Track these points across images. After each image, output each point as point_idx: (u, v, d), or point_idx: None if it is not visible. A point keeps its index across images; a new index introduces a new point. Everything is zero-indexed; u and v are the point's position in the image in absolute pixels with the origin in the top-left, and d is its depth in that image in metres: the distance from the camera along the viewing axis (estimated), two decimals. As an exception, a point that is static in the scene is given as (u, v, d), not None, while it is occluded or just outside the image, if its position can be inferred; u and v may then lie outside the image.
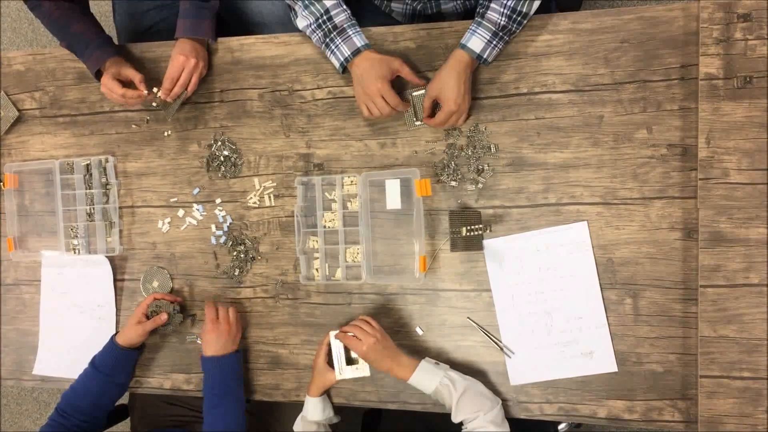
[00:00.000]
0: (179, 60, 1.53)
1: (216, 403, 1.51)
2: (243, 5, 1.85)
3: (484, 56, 1.40)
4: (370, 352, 1.41)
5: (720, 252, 1.34)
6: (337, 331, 1.49)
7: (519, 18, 1.38)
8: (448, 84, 1.42)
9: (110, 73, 1.57)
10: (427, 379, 1.39)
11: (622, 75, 1.42)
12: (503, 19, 1.37)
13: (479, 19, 1.40)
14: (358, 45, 1.46)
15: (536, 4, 1.39)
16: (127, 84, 1.58)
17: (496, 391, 1.46)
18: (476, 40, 1.39)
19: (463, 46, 1.40)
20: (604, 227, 1.44)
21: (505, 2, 1.36)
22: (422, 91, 1.50)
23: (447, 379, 1.38)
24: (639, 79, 1.41)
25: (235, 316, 1.58)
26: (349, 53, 1.46)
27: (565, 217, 1.46)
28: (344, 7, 1.47)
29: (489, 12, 1.38)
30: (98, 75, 1.62)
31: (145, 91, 1.55)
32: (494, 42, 1.39)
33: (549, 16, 1.46)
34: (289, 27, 1.54)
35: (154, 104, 1.62)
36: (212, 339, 1.53)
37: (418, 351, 1.53)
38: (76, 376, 1.59)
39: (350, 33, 1.46)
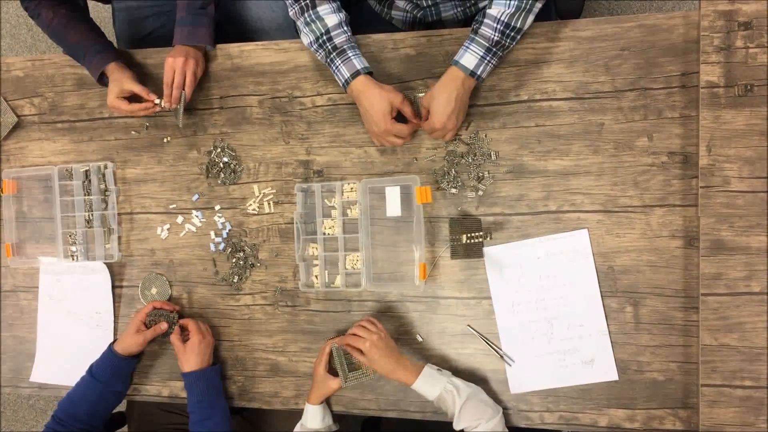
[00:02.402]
0: (168, 63, 1.54)
1: (201, 418, 1.51)
2: (243, 12, 1.85)
3: (478, 72, 1.38)
4: (373, 349, 1.39)
5: (721, 260, 1.33)
6: (338, 342, 1.48)
7: (513, 33, 1.37)
8: (437, 100, 1.41)
9: (113, 92, 1.57)
10: (431, 385, 1.38)
11: (623, 83, 1.42)
12: (497, 34, 1.36)
13: (472, 35, 1.38)
14: (358, 68, 1.44)
15: (531, 20, 1.38)
16: (133, 96, 1.58)
17: (496, 400, 1.45)
18: (469, 57, 1.38)
19: (456, 63, 1.39)
20: (604, 235, 1.44)
21: (498, 17, 1.35)
22: (422, 94, 1.49)
23: (451, 386, 1.37)
24: (639, 87, 1.41)
25: (206, 328, 1.59)
26: (348, 75, 1.45)
27: (565, 224, 1.46)
28: (345, 28, 1.46)
29: (482, 27, 1.37)
30: (101, 80, 1.61)
31: (156, 100, 1.55)
32: (488, 58, 1.38)
33: (549, 23, 1.46)
34: (289, 34, 1.54)
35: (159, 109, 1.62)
36: (200, 351, 1.53)
37: (418, 359, 1.52)
38: (73, 384, 1.58)
39: (350, 55, 1.45)
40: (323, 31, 1.45)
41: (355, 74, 1.44)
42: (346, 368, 1.47)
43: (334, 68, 1.47)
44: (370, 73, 1.46)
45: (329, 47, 1.46)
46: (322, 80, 1.57)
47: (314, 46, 1.48)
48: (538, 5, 1.36)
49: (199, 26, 1.56)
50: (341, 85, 1.48)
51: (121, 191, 1.70)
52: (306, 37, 1.49)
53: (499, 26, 1.35)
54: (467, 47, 1.38)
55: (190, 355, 1.53)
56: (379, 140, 1.49)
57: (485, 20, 1.36)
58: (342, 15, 1.47)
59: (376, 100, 1.43)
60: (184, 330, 1.59)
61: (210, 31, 1.59)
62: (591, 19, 1.45)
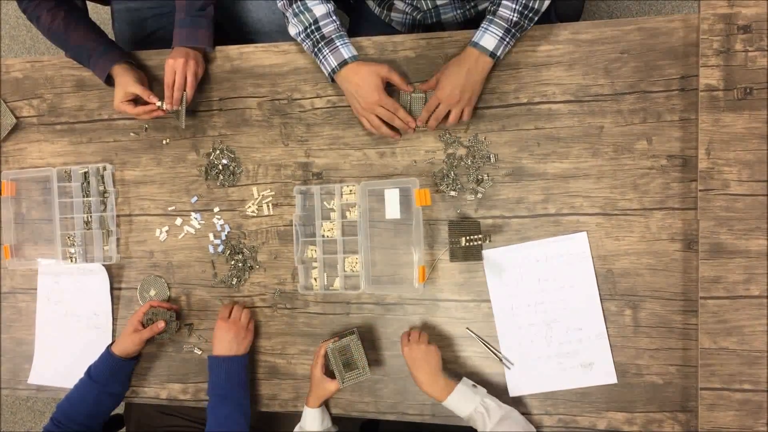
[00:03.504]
0: (168, 65, 1.54)
1: (215, 404, 1.50)
2: (242, 14, 1.85)
3: (497, 53, 1.39)
4: (413, 351, 1.40)
5: (720, 263, 1.33)
6: (332, 343, 1.48)
7: (531, 14, 1.38)
8: (449, 70, 1.41)
9: (118, 96, 1.57)
10: (463, 404, 1.36)
11: (622, 86, 1.42)
12: (515, 15, 1.37)
13: (490, 17, 1.39)
14: (345, 57, 1.45)
15: (547, 2, 1.39)
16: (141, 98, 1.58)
17: (495, 403, 1.45)
18: (488, 38, 1.38)
19: (475, 44, 1.39)
20: (603, 238, 1.44)
21: None
22: (420, 94, 1.49)
23: (482, 407, 1.35)
24: (639, 90, 1.41)
25: (247, 320, 1.57)
26: (335, 64, 1.45)
27: (564, 227, 1.46)
28: (334, 18, 1.47)
29: (501, 9, 1.37)
30: (109, 81, 1.61)
31: (157, 103, 1.55)
32: (506, 39, 1.39)
33: (549, 26, 1.46)
34: (289, 36, 1.54)
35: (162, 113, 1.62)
36: (218, 337, 1.53)
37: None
38: (71, 386, 1.58)
39: (338, 44, 1.46)
40: (311, 21, 1.46)
41: (343, 63, 1.45)
42: (342, 368, 1.47)
43: (321, 58, 1.47)
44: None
45: (317, 36, 1.46)
46: (322, 82, 1.57)
47: (301, 36, 1.48)
48: None
49: (198, 28, 1.56)
50: (327, 74, 1.48)
51: (119, 193, 1.70)
52: (294, 28, 1.49)
53: (518, 7, 1.36)
54: (486, 28, 1.39)
55: (213, 340, 1.54)
56: (366, 116, 1.47)
57: (503, 2, 1.37)
58: (330, 5, 1.47)
59: (366, 74, 1.44)
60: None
61: (209, 33, 1.59)
62: (590, 22, 1.45)
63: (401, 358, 1.48)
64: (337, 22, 1.47)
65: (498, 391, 1.48)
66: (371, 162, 1.55)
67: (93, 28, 1.66)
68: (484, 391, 1.40)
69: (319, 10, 1.46)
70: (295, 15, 1.47)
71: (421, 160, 1.53)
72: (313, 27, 1.46)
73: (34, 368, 1.76)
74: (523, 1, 1.36)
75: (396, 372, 1.54)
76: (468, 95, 1.42)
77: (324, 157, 1.57)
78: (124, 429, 1.86)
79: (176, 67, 1.53)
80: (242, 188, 1.62)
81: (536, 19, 1.40)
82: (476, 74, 1.41)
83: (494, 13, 1.39)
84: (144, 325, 1.58)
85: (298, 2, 1.47)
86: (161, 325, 1.57)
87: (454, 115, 1.44)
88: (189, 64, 1.53)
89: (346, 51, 1.46)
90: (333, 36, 1.46)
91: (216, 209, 1.64)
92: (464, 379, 1.41)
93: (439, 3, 1.60)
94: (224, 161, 1.62)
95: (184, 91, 1.54)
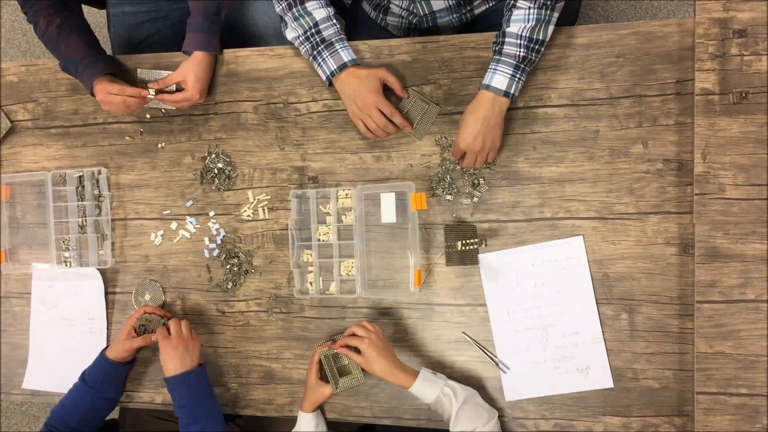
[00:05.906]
0: (198, 90, 1.54)
1: (189, 421, 1.45)
2: (239, 17, 1.85)
3: (511, 91, 1.35)
4: (371, 347, 1.38)
5: (716, 267, 1.33)
6: (327, 348, 1.47)
7: (537, 46, 1.34)
8: (464, 121, 1.39)
9: (105, 79, 1.56)
10: (428, 389, 1.36)
11: (618, 90, 1.42)
12: (521, 50, 1.33)
13: (497, 57, 1.36)
14: (345, 60, 1.45)
15: (551, 30, 1.36)
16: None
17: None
18: (499, 78, 1.35)
19: (487, 87, 1.36)
20: (599, 242, 1.43)
21: (520, 33, 1.33)
22: (422, 104, 1.49)
23: (448, 389, 1.36)
24: (635, 94, 1.42)
25: (188, 329, 1.52)
26: (335, 67, 1.45)
27: (560, 231, 1.45)
28: (334, 21, 1.47)
29: (506, 47, 1.34)
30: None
31: (151, 93, 1.55)
32: (517, 75, 1.35)
33: (545, 30, 1.46)
34: (285, 39, 1.54)
35: (147, 116, 1.62)
36: (168, 356, 1.47)
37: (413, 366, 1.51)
38: (66, 391, 1.57)
39: (338, 47, 1.46)
40: (311, 24, 1.46)
41: (342, 67, 1.45)
42: (336, 374, 1.46)
43: (320, 60, 1.47)
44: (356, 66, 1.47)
45: (317, 40, 1.46)
46: (318, 86, 1.57)
47: (300, 39, 1.48)
48: (556, 15, 1.35)
49: (214, 35, 1.55)
50: (325, 77, 1.48)
51: (114, 197, 1.69)
52: (293, 32, 1.49)
53: (522, 42, 1.33)
54: (495, 69, 1.35)
55: (164, 362, 1.48)
56: (362, 119, 1.47)
57: (506, 39, 1.34)
58: (330, 9, 1.47)
59: (365, 77, 1.44)
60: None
61: (219, 39, 1.58)
62: (586, 26, 1.46)
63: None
64: (337, 26, 1.47)
65: (494, 395, 1.48)
66: (367, 166, 1.55)
67: (84, 37, 1.63)
68: (444, 376, 1.41)
69: (320, 13, 1.46)
70: (295, 19, 1.47)
71: (417, 164, 1.52)
72: (313, 30, 1.46)
73: (29, 373, 1.75)
74: (527, 35, 1.33)
75: (392, 376, 1.53)
76: (489, 141, 1.39)
77: (320, 161, 1.57)
78: (118, 434, 1.85)
79: (202, 93, 1.55)
80: (238, 192, 1.62)
81: (542, 49, 1.37)
82: (493, 118, 1.37)
83: (500, 52, 1.35)
84: (136, 331, 1.57)
85: (299, 6, 1.46)
86: (154, 337, 1.55)
87: (480, 161, 1.43)
88: (204, 94, 1.56)
89: (346, 54, 1.46)
90: (333, 39, 1.46)
91: (211, 213, 1.63)
92: (424, 368, 1.41)
93: (435, 8, 1.60)
94: (220, 165, 1.62)
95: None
